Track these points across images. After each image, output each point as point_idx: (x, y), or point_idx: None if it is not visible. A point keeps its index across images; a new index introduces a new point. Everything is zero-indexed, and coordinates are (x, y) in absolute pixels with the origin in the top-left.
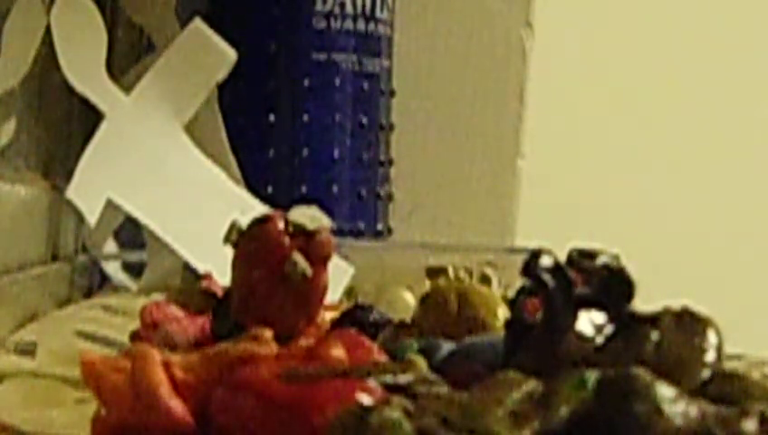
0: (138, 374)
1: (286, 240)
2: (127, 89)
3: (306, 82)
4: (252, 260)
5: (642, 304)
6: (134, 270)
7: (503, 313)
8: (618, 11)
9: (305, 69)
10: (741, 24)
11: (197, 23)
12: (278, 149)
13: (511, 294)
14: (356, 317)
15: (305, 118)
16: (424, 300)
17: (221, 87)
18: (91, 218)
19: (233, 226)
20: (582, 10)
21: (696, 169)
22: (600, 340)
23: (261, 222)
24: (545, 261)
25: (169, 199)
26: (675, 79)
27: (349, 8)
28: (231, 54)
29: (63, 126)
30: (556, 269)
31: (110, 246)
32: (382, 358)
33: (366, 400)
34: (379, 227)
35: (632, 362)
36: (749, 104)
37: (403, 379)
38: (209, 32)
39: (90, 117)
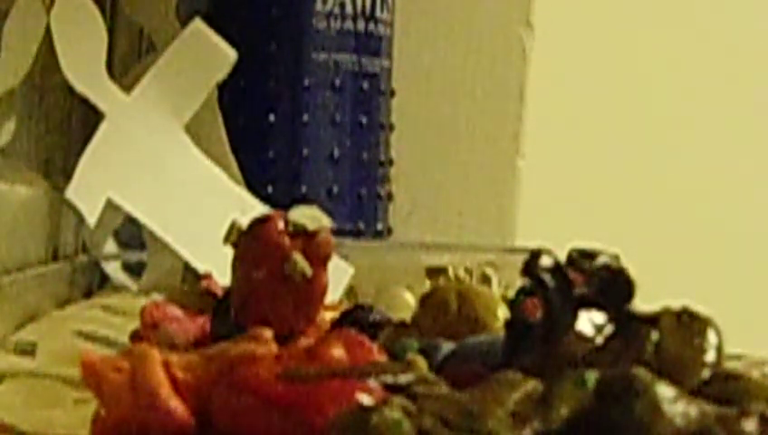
0: (138, 374)
1: (286, 240)
2: (127, 89)
3: (306, 82)
4: (252, 260)
5: (642, 304)
6: (134, 270)
7: (503, 313)
8: (618, 11)
9: (305, 69)
10: (741, 24)
11: (197, 23)
12: (278, 149)
13: (511, 294)
14: (356, 317)
15: (305, 118)
16: (424, 300)
17: (221, 87)
18: (91, 218)
19: (233, 226)
20: (582, 10)
21: (696, 168)
22: (599, 340)
23: (261, 222)
24: (545, 261)
25: (169, 199)
26: (675, 79)
27: (349, 8)
28: (231, 54)
29: (63, 126)
30: (556, 269)
31: (110, 246)
32: (382, 358)
33: (366, 400)
34: (379, 227)
35: (632, 362)
36: (749, 104)
37: (403, 379)
38: (209, 32)
39: (90, 117)
